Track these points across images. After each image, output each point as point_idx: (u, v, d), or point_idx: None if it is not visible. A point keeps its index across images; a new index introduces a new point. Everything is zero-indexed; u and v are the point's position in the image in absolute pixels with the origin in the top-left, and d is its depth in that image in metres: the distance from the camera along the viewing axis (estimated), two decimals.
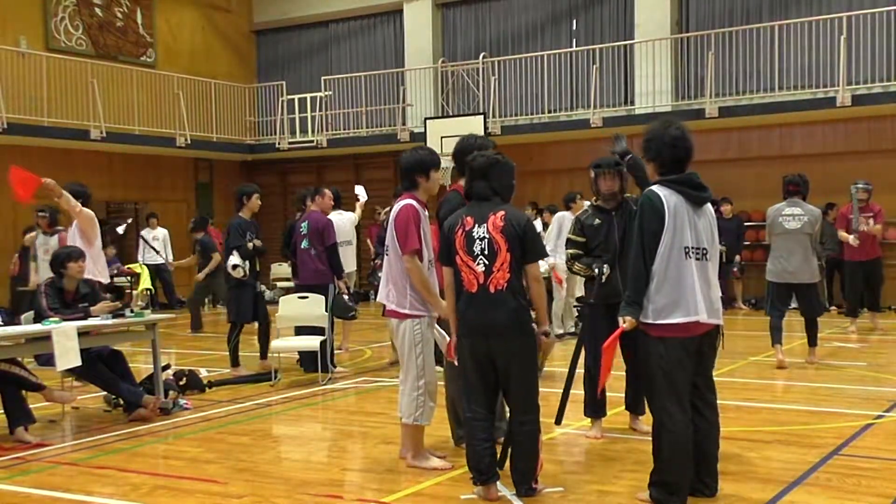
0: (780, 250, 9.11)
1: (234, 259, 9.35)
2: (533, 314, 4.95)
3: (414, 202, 5.52)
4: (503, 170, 4.99)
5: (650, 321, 4.61)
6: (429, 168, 5.59)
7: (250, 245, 9.39)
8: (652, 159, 4.78)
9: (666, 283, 4.57)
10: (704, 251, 4.69)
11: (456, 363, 5.16)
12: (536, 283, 4.87)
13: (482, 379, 4.90)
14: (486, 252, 4.81)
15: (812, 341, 9.44)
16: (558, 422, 6.17)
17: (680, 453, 4.61)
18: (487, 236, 4.81)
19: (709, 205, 4.82)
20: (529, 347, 4.86)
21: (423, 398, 5.54)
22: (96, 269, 8.30)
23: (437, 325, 5.77)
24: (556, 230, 11.54)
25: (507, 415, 5.22)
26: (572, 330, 11.63)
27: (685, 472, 4.64)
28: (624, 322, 4.70)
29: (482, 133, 14.93)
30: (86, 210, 8.37)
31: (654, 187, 4.70)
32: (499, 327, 4.77)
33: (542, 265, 11.19)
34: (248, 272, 9.41)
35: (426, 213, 5.63)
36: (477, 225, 4.85)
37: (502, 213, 4.85)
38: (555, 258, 11.18)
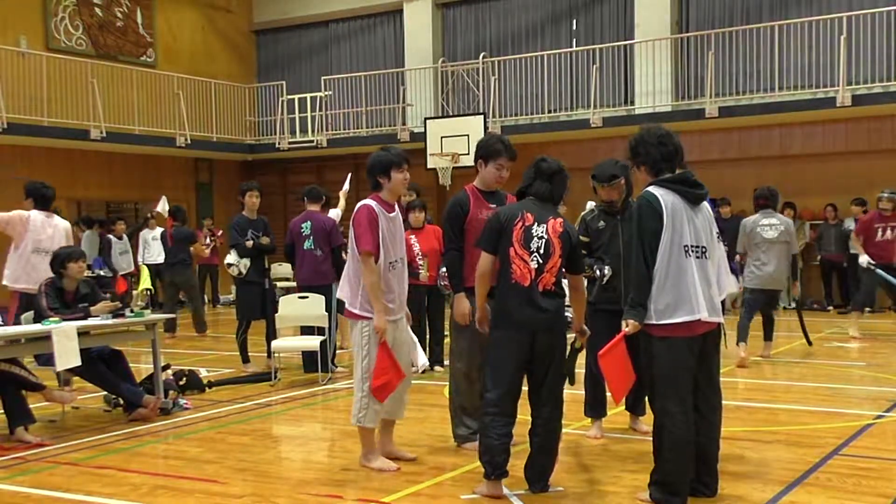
0: (760, 259, 9.59)
1: (229, 258, 9.54)
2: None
3: (373, 203, 5.52)
4: (565, 179, 5.15)
5: (653, 321, 4.61)
6: (388, 168, 5.56)
7: (249, 243, 9.44)
8: (643, 162, 4.79)
9: (667, 283, 4.58)
10: (703, 249, 4.69)
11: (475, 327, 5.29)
12: (578, 292, 5.12)
13: (514, 374, 4.93)
14: (541, 251, 4.90)
15: (769, 336, 9.93)
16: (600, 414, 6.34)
17: (680, 454, 4.60)
18: (546, 237, 4.92)
19: (706, 203, 4.82)
20: (564, 346, 5.04)
21: (367, 400, 5.51)
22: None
23: (409, 330, 5.78)
24: None
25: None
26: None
27: (685, 473, 4.64)
28: (627, 325, 4.70)
29: (482, 133, 14.95)
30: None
31: (650, 188, 4.71)
32: (547, 323, 4.87)
33: None
34: (244, 271, 9.49)
35: (394, 214, 5.63)
36: (537, 223, 4.94)
37: (560, 219, 5.00)
38: None
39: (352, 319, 5.59)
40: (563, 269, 5.01)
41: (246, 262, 9.49)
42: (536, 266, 4.88)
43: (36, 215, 8.53)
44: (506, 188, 6.01)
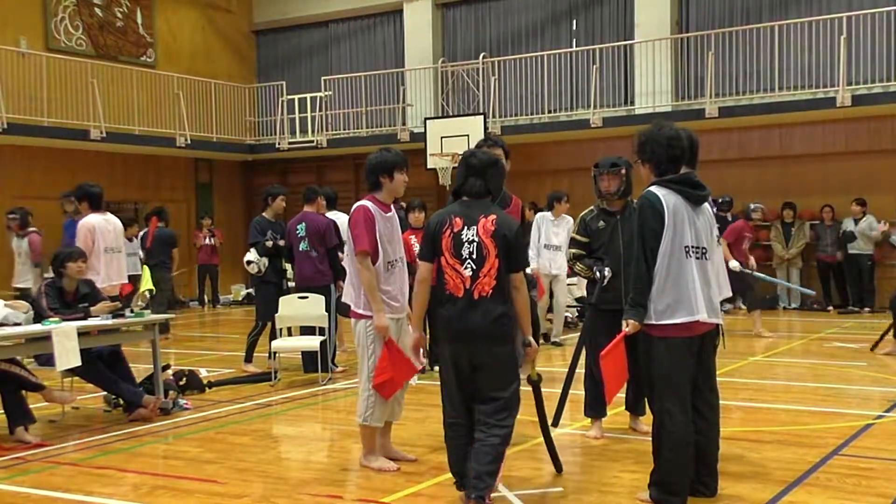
0: None
1: (249, 255, 9.73)
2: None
3: (369, 203, 5.55)
4: (500, 171, 4.89)
5: (653, 322, 4.62)
6: (392, 169, 5.59)
7: (269, 243, 9.61)
8: (648, 160, 4.78)
9: (668, 283, 4.58)
10: (704, 250, 4.70)
11: (420, 360, 5.23)
12: (518, 292, 4.71)
13: (461, 386, 4.76)
14: (474, 256, 4.65)
15: None
16: (555, 423, 6.16)
17: (680, 454, 4.61)
18: (477, 240, 4.65)
19: (707, 204, 4.82)
20: (509, 355, 4.71)
21: (374, 399, 5.54)
22: None
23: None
24: (537, 232, 11.01)
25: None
26: (557, 339, 11.37)
27: (685, 473, 4.65)
28: (626, 325, 4.69)
29: (482, 133, 14.95)
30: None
31: (653, 188, 4.71)
32: (479, 333, 4.63)
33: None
34: (263, 269, 9.68)
35: (391, 214, 5.65)
36: (466, 227, 4.69)
37: (493, 216, 4.70)
38: (536, 262, 10.83)
39: (356, 319, 5.60)
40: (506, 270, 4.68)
41: (265, 260, 9.67)
42: (471, 273, 4.65)
43: (96, 219, 8.63)
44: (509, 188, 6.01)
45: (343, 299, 5.87)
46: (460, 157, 4.97)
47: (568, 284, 12.26)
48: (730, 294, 5.80)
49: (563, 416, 6.19)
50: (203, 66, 20.19)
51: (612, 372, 4.92)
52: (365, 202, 5.57)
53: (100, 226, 8.60)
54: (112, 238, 8.76)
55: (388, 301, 5.54)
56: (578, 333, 6.85)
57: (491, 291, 4.62)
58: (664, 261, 4.59)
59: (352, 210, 5.61)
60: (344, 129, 19.72)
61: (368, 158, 5.69)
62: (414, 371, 5.61)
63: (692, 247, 4.63)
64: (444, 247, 4.69)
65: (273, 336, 9.51)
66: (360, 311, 5.55)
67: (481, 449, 4.62)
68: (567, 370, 6.19)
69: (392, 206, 5.74)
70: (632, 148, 4.92)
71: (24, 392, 6.87)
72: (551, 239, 10.99)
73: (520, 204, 6.25)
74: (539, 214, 11.29)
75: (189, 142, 18.50)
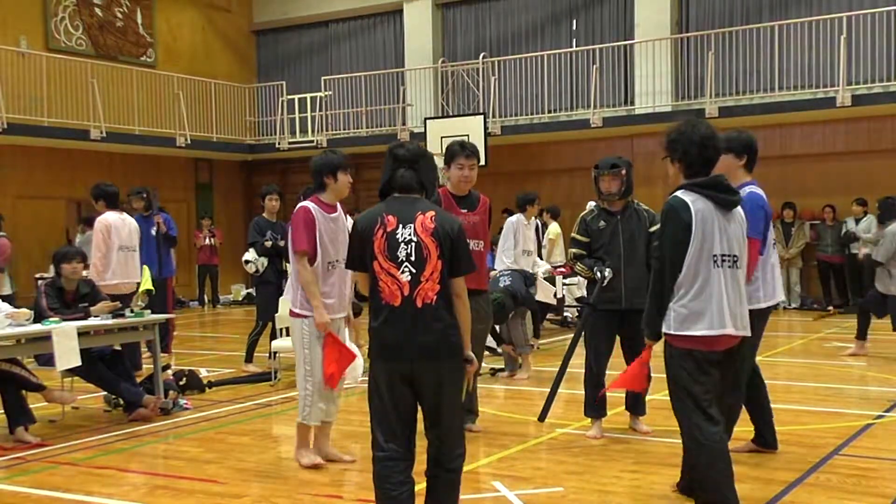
0: None
1: (247, 255, 9.79)
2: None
3: (311, 204, 5.65)
4: (431, 163, 4.27)
5: (672, 331, 4.36)
6: (336, 169, 5.70)
7: (268, 242, 9.69)
8: (679, 159, 4.45)
9: (691, 293, 4.30)
10: (735, 258, 4.38)
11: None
12: (460, 300, 4.05)
13: (398, 410, 4.06)
14: (412, 258, 3.98)
15: None
16: (542, 419, 6.15)
17: (719, 465, 4.36)
18: (415, 239, 3.99)
19: (739, 209, 4.49)
20: (460, 371, 4.08)
21: (312, 398, 5.63)
22: None
23: (348, 337, 5.91)
24: (512, 237, 9.85)
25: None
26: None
27: (729, 482, 4.40)
28: (648, 342, 4.56)
29: (482, 133, 14.95)
30: None
31: (679, 193, 4.38)
32: (426, 348, 3.95)
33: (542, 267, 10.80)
34: (261, 269, 9.73)
35: (336, 214, 5.73)
36: (401, 226, 4.02)
37: (432, 213, 4.06)
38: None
39: (293, 318, 5.71)
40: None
41: (263, 260, 9.72)
42: (410, 278, 3.97)
43: (112, 217, 8.98)
44: (491, 189, 6.05)
45: (283, 297, 5.95)
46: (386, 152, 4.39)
47: (568, 284, 12.24)
48: (782, 297, 5.70)
49: (565, 417, 6.19)
50: (203, 66, 20.19)
51: (628, 383, 4.88)
52: (307, 203, 5.67)
53: (116, 224, 8.98)
54: (126, 236, 9.13)
55: (324, 300, 5.62)
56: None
57: (436, 298, 3.98)
58: (689, 270, 4.29)
59: (294, 211, 5.71)
60: (344, 129, 19.72)
61: (312, 160, 5.81)
62: (352, 357, 5.69)
63: (721, 255, 4.32)
64: (377, 249, 4.02)
65: (273, 336, 9.51)
66: (297, 311, 5.66)
67: (446, 485, 4.21)
68: (559, 369, 6.20)
69: (338, 207, 5.79)
70: (660, 144, 4.56)
71: (24, 392, 6.87)
72: (528, 244, 10.17)
73: (488, 202, 6.28)
74: (513, 218, 10.17)
75: (189, 142, 18.51)
